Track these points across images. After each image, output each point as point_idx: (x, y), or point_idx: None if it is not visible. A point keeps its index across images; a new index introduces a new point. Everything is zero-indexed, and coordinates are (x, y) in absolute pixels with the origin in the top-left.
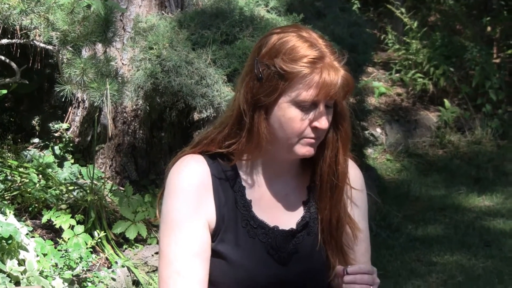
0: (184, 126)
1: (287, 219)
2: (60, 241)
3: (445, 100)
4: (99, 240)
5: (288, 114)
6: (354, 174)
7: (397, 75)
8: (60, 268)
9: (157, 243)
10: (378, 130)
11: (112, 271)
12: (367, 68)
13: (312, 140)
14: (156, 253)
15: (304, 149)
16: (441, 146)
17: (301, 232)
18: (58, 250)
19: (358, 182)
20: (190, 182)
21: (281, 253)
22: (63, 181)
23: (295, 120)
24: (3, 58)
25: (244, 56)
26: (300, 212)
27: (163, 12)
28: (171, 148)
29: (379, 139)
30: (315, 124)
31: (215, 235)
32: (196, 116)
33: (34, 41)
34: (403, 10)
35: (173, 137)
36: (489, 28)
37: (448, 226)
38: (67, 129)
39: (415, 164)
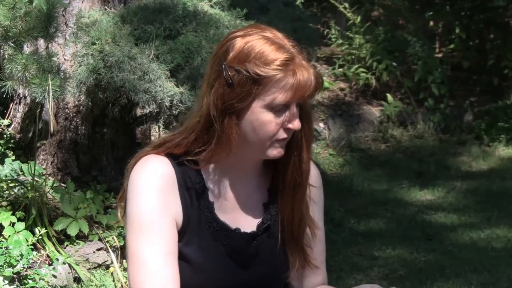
0: (126, 121)
1: (248, 221)
2: (1, 238)
3: (388, 95)
4: (40, 237)
5: (262, 118)
6: (312, 172)
7: (340, 70)
8: (1, 265)
9: (99, 239)
10: (321, 125)
11: (53, 268)
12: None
13: (283, 142)
14: (98, 249)
15: (275, 151)
16: (384, 140)
17: (261, 235)
18: None
19: (316, 179)
20: (156, 181)
21: (242, 256)
22: (3, 178)
23: (269, 123)
24: None
25: (187, 51)
26: (260, 214)
27: (106, 7)
28: (113, 144)
29: (322, 134)
30: (289, 126)
31: (180, 235)
32: (138, 111)
33: None
34: (346, 5)
35: (116, 133)
36: (431, 23)
37: (390, 220)
38: (8, 126)
39: (358, 159)
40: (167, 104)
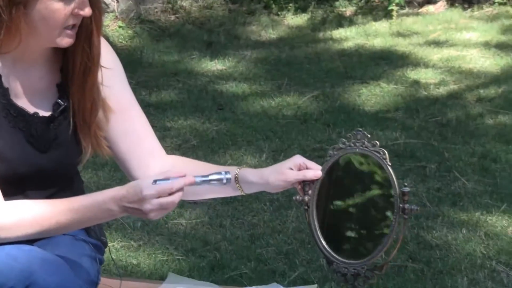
0: None
1: (43, 104)
2: None
3: None
4: None
5: (51, 7)
6: (105, 52)
7: None
8: None
9: None
10: None
11: None
12: None
13: (74, 29)
14: None
15: (66, 39)
16: (173, 11)
17: (58, 117)
18: None
19: (110, 58)
20: None
21: (41, 140)
22: None
23: (58, 11)
24: None
25: None
26: (55, 96)
27: None
28: None
29: (110, 6)
30: (80, 13)
31: None
32: None
33: None
34: None
35: None
36: None
37: (182, 91)
38: None
39: (148, 31)
40: None
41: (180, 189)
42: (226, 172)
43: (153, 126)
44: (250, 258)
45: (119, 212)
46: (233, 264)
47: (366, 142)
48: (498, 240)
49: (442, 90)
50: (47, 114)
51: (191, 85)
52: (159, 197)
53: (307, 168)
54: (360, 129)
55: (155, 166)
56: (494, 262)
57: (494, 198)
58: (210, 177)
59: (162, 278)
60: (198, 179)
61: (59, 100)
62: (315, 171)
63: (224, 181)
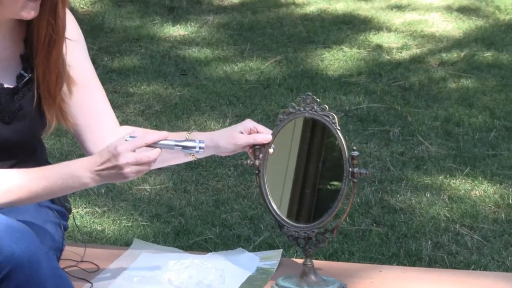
0: None
1: (8, 76)
2: None
3: None
4: None
5: None
6: (69, 23)
7: None
8: None
9: None
10: None
11: None
12: None
13: (38, 1)
14: None
15: (30, 11)
16: None
17: (23, 89)
18: None
19: (74, 30)
20: None
21: (5, 112)
22: None
23: None
24: None
25: None
26: (19, 67)
27: None
28: None
29: None
30: None
31: None
32: None
33: None
34: None
35: None
36: None
37: (144, 56)
38: None
39: None
40: None
41: (155, 147)
42: (200, 141)
43: (115, 92)
44: (215, 224)
45: (92, 180)
46: (198, 229)
47: (315, 107)
48: (462, 203)
49: (405, 54)
50: (11, 86)
51: (153, 50)
52: (134, 151)
53: (257, 132)
54: (310, 94)
55: (111, 139)
56: (458, 225)
57: (458, 161)
58: (184, 143)
59: (127, 244)
60: (171, 142)
61: (23, 72)
62: (265, 135)
63: (197, 149)
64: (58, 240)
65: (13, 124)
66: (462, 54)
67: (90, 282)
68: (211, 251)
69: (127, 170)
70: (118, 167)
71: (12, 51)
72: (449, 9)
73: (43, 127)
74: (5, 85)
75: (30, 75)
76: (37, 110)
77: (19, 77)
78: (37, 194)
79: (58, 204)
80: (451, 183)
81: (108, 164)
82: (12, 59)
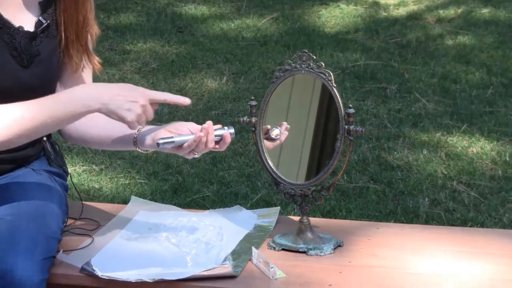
0: None
1: (27, 20)
2: None
3: None
4: None
5: None
6: None
7: None
8: None
9: None
10: None
11: None
12: None
13: None
14: None
15: None
16: None
17: (40, 35)
18: None
19: None
20: None
21: (24, 55)
22: None
23: None
24: None
25: None
26: (37, 13)
27: None
28: None
29: None
30: None
31: None
32: None
33: None
34: None
35: None
36: None
37: (140, 13)
38: None
39: None
40: None
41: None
42: (229, 127)
43: (112, 49)
44: (213, 181)
45: (96, 103)
46: (196, 187)
47: (311, 64)
48: (459, 160)
49: (402, 11)
50: (30, 29)
51: (150, 7)
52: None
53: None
54: (306, 51)
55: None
56: (455, 182)
57: (455, 118)
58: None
59: (125, 202)
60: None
61: (41, 18)
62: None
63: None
64: (65, 203)
65: (30, 68)
66: (459, 10)
67: (92, 237)
68: (208, 209)
69: (138, 110)
70: (135, 103)
71: None
72: None
73: (59, 74)
74: (25, 28)
75: (48, 22)
76: (56, 57)
77: (38, 23)
78: (42, 122)
79: (56, 167)
80: (448, 140)
81: (129, 97)
82: (31, 4)
